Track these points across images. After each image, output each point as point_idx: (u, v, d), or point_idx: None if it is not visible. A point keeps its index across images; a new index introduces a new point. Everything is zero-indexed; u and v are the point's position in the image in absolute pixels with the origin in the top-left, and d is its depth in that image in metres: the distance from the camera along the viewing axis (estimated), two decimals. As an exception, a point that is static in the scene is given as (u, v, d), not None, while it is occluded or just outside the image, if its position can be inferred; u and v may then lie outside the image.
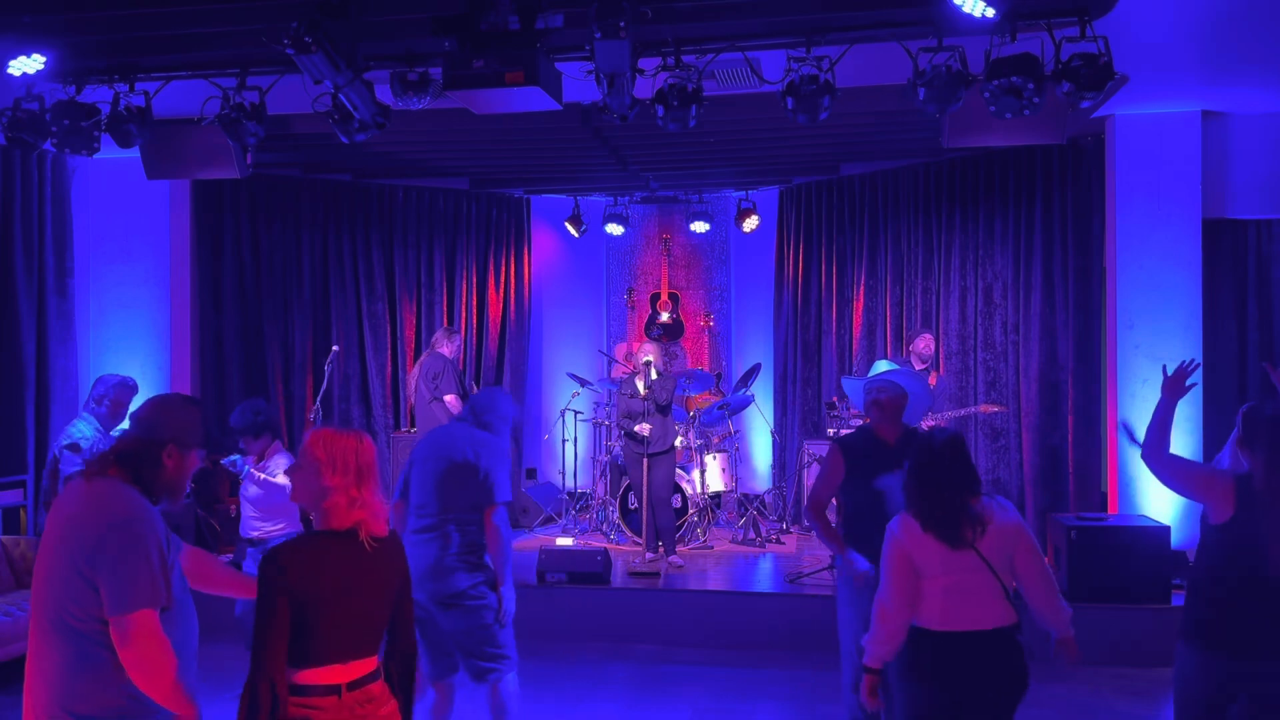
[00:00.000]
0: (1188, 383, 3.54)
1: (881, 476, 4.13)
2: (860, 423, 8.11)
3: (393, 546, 2.72)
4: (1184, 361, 3.58)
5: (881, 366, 4.62)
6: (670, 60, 5.07)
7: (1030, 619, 3.38)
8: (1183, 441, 6.78)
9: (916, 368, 7.57)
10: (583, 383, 9.11)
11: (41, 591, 2.61)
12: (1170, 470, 3.46)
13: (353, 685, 2.57)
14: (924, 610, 3.29)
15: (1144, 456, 3.49)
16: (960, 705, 3.28)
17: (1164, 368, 3.64)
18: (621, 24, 4.34)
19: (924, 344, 7.70)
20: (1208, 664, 3.33)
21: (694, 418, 8.76)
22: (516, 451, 9.91)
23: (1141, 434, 3.59)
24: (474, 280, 9.78)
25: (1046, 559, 6.72)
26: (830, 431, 8.41)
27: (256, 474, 5.25)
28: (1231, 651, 3.28)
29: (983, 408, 7.57)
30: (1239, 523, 3.30)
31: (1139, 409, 6.88)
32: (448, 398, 7.98)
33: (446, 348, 8.37)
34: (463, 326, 9.62)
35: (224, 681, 5.07)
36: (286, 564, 2.52)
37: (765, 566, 7.62)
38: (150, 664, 2.51)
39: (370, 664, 2.64)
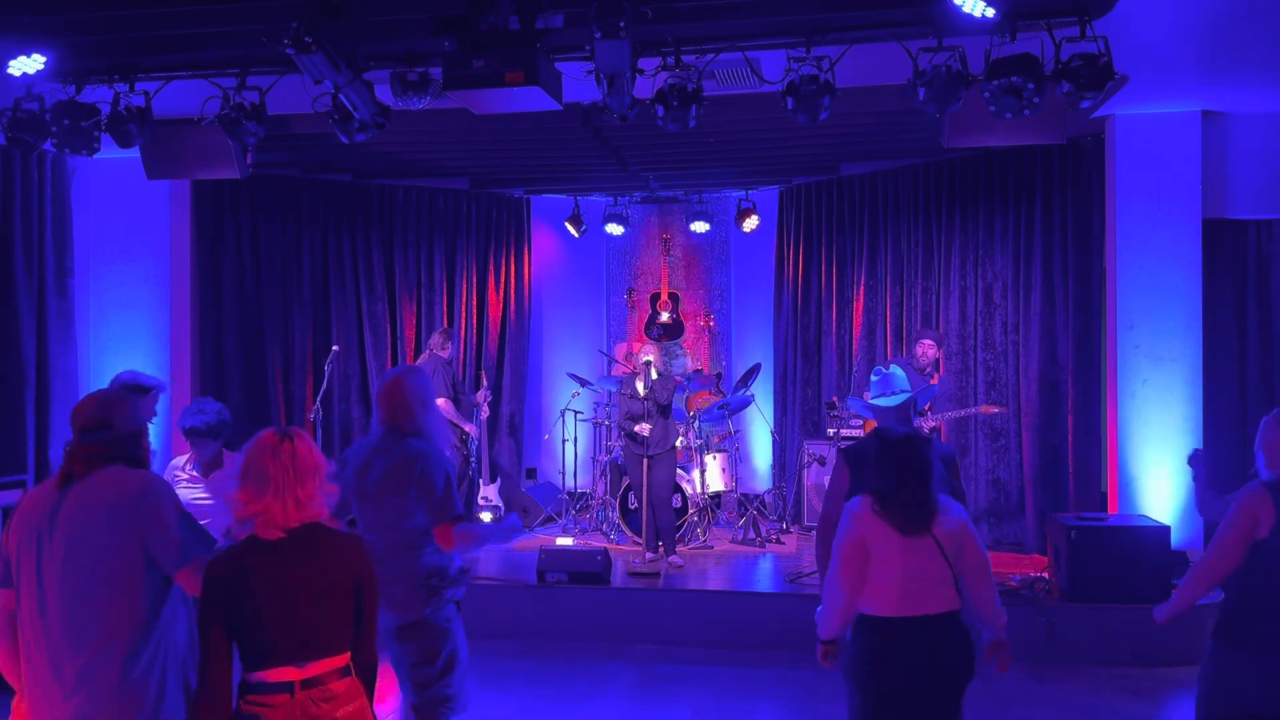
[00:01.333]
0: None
1: None
2: (858, 423, 8.15)
3: (336, 546, 2.67)
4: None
5: (899, 378, 4.52)
6: (670, 60, 5.07)
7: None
8: (1182, 443, 6.79)
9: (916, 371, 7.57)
10: (583, 383, 9.11)
11: (79, 607, 2.70)
12: (1225, 560, 3.49)
13: (307, 684, 2.57)
14: (877, 597, 3.36)
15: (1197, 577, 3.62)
16: (909, 689, 3.35)
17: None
18: (621, 24, 4.34)
19: (923, 350, 7.63)
20: (1240, 660, 3.41)
21: (694, 418, 8.76)
22: (516, 450, 9.92)
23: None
24: (474, 280, 9.78)
25: (1045, 560, 6.72)
26: (830, 431, 8.40)
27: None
28: (1262, 646, 3.38)
29: (983, 408, 7.56)
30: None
31: (1139, 409, 6.89)
32: (438, 400, 7.98)
33: (446, 350, 8.39)
34: (462, 326, 9.63)
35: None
36: (216, 573, 2.58)
37: (765, 566, 7.62)
38: None
39: (333, 662, 2.63)
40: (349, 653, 2.67)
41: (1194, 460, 4.15)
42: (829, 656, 3.57)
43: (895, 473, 3.38)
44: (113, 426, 2.79)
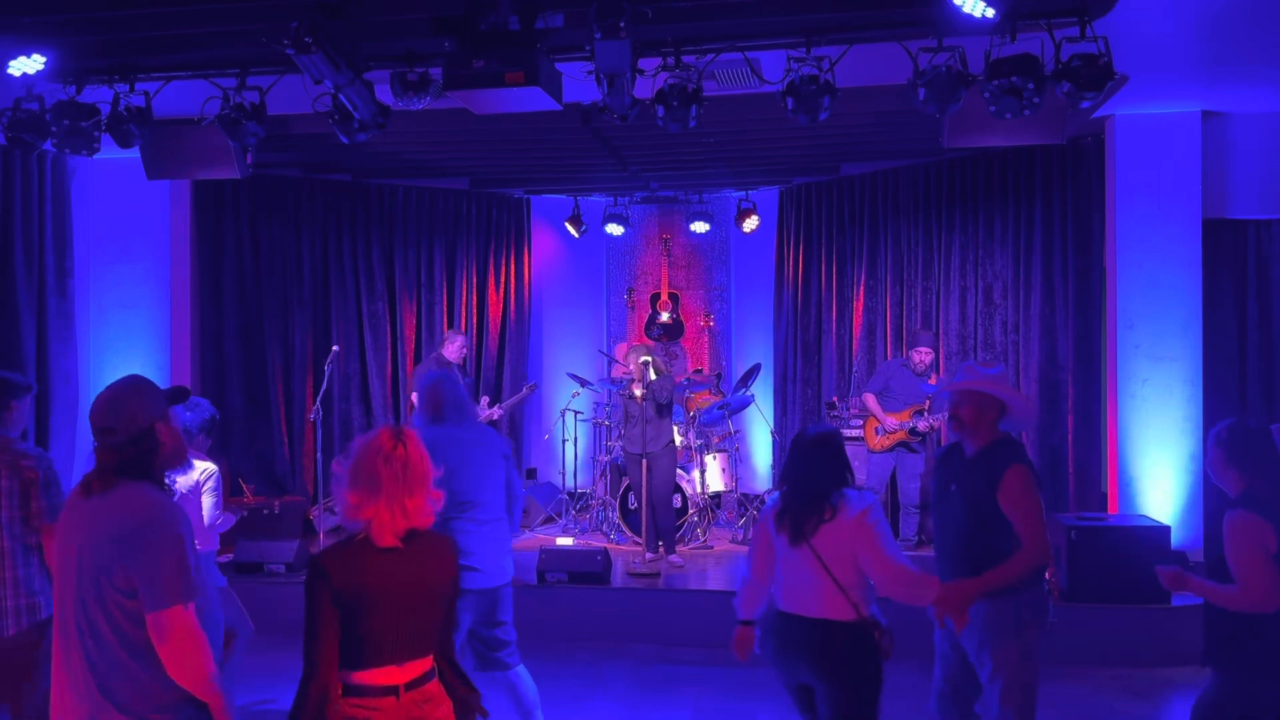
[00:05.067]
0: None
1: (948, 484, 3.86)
2: (859, 423, 8.15)
3: (439, 549, 2.70)
4: (1156, 573, 3.62)
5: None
6: (670, 60, 5.07)
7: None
8: (1182, 443, 6.79)
9: (914, 374, 7.57)
10: (583, 383, 9.11)
11: (74, 600, 2.60)
12: (1265, 588, 3.29)
13: (410, 685, 2.59)
14: (775, 589, 3.48)
15: (1248, 607, 3.33)
16: (796, 686, 3.43)
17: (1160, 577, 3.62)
18: (621, 24, 4.34)
19: (919, 356, 7.60)
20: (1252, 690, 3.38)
21: (694, 418, 8.76)
22: (516, 451, 9.92)
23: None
24: (474, 280, 9.78)
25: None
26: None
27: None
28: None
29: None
30: None
31: (1139, 409, 6.89)
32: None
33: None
34: (462, 326, 9.63)
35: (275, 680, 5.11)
36: (329, 568, 2.54)
37: (765, 566, 7.61)
38: (186, 658, 2.53)
39: (426, 664, 2.66)
40: (433, 654, 2.70)
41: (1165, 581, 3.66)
42: (739, 644, 3.64)
43: (790, 475, 3.48)
44: (115, 432, 2.63)
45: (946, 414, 3.83)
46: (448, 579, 2.70)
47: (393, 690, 2.56)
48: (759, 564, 3.56)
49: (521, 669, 4.51)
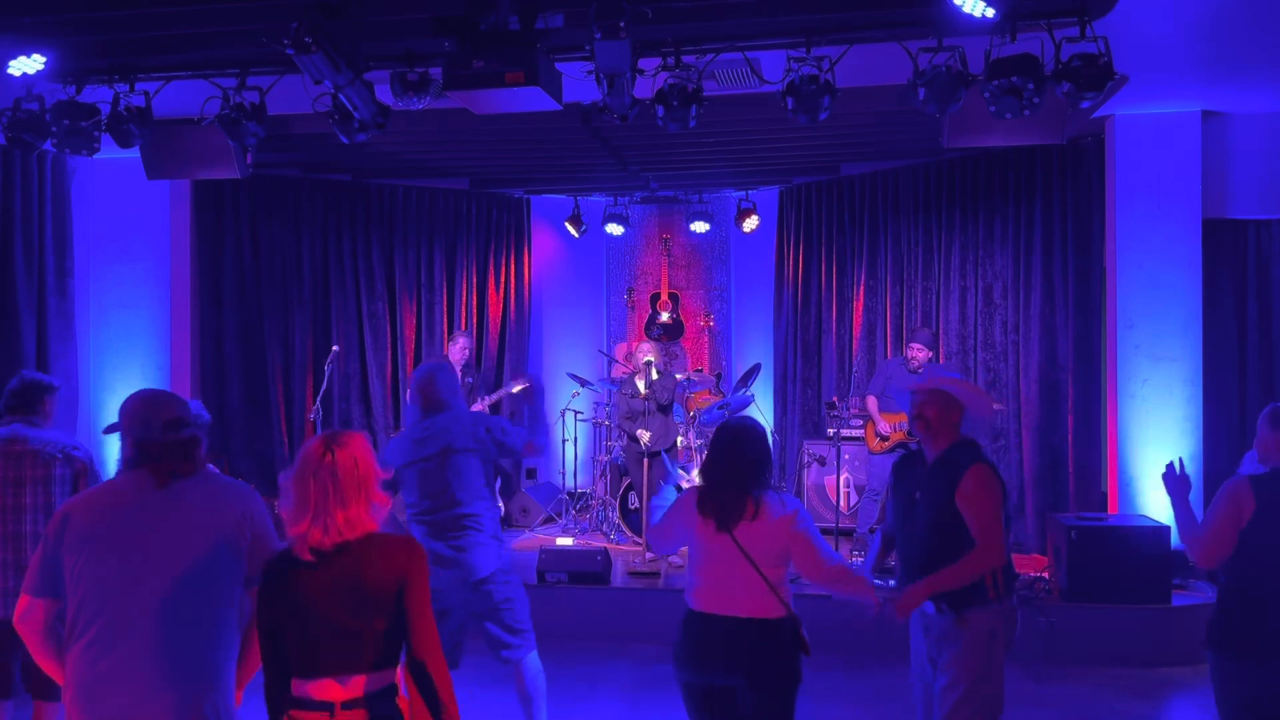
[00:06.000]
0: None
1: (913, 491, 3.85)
2: (859, 423, 8.14)
3: (379, 550, 2.51)
4: (1172, 463, 3.82)
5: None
6: (670, 60, 5.07)
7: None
8: (1182, 443, 6.79)
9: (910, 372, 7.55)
10: (583, 383, 9.11)
11: (168, 587, 2.63)
12: (1212, 544, 3.47)
13: (349, 705, 2.45)
14: (688, 587, 3.47)
15: (1190, 553, 3.57)
16: (707, 690, 3.42)
17: (1167, 469, 3.81)
18: (621, 24, 4.34)
19: (912, 353, 7.55)
20: (1237, 672, 3.39)
21: (694, 418, 8.76)
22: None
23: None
24: (474, 280, 9.79)
25: (1045, 560, 6.71)
26: (830, 431, 8.39)
27: None
28: (1258, 659, 3.35)
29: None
30: (1258, 523, 3.37)
31: (1139, 409, 6.89)
32: None
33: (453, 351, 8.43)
34: (463, 326, 9.63)
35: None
36: (271, 578, 2.53)
37: (765, 566, 7.60)
38: None
39: (382, 678, 2.50)
40: (393, 670, 2.56)
41: (1169, 478, 3.85)
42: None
43: (711, 464, 3.45)
44: (185, 424, 2.74)
45: (911, 415, 3.82)
46: (382, 583, 2.47)
47: (328, 707, 2.44)
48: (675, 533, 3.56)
49: (530, 660, 4.49)
